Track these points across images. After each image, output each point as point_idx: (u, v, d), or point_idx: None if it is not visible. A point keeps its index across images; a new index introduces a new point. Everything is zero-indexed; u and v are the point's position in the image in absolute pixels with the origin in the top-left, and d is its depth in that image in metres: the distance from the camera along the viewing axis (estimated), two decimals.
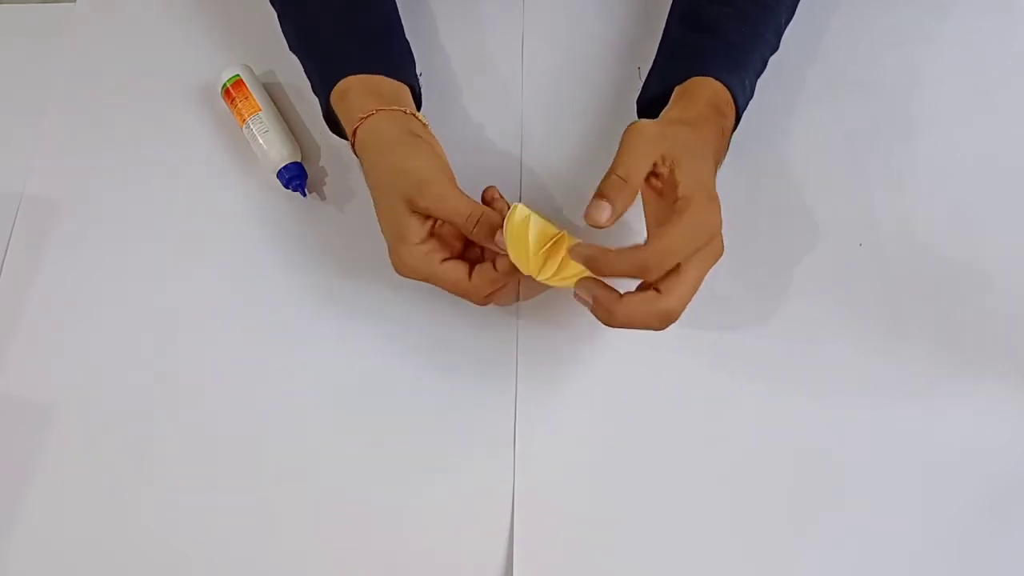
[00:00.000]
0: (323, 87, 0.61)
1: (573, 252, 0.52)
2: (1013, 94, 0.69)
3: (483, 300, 0.57)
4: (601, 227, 0.51)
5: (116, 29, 0.75)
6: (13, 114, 0.72)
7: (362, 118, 0.57)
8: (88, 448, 0.59)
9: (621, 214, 0.52)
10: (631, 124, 0.54)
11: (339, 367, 0.60)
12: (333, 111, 0.61)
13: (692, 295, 0.52)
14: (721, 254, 0.53)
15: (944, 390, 0.59)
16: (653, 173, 0.53)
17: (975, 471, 0.56)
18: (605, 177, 0.52)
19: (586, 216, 0.52)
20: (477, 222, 0.54)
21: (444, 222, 0.56)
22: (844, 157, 0.67)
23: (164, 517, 0.56)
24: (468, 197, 0.55)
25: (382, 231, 0.57)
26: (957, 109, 0.69)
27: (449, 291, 0.57)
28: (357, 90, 0.59)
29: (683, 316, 0.60)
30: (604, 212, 0.51)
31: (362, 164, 0.59)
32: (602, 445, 0.58)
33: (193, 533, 0.56)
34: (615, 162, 0.52)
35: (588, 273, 0.52)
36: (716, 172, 0.56)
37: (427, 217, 0.55)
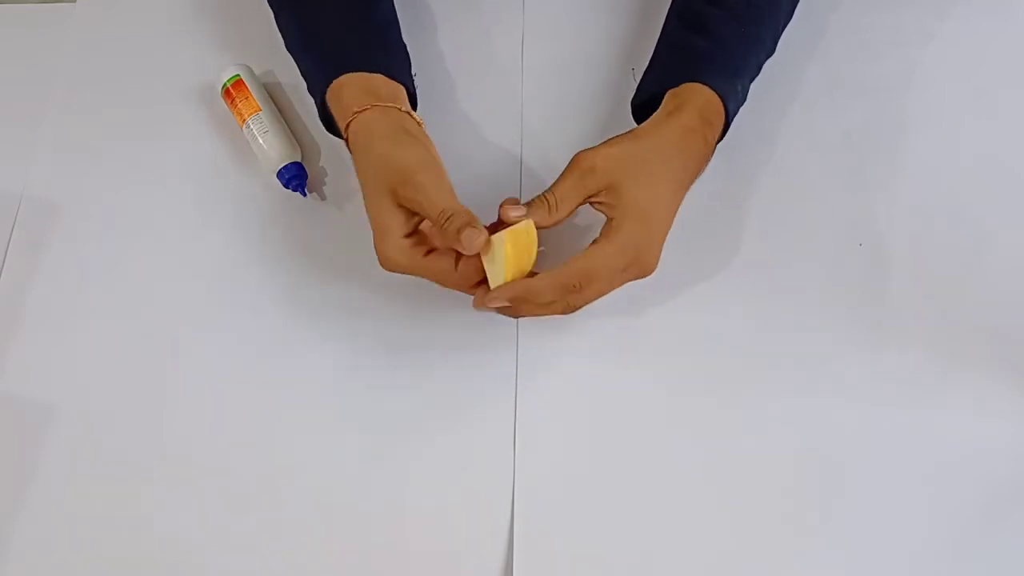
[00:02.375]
0: (319, 84, 0.61)
1: (499, 292, 0.54)
2: (1013, 94, 0.69)
3: (472, 288, 0.57)
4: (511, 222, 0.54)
5: (116, 29, 0.75)
6: (13, 114, 0.71)
7: (356, 112, 0.57)
8: (88, 448, 0.59)
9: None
10: (580, 153, 0.55)
11: (339, 366, 0.60)
12: (328, 109, 0.61)
13: (593, 300, 0.55)
14: (649, 273, 0.55)
15: (944, 390, 0.59)
16: (593, 199, 0.55)
17: (975, 471, 0.56)
18: (540, 195, 0.55)
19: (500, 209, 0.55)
20: (448, 218, 0.53)
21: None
22: (844, 157, 0.67)
23: (164, 517, 0.56)
24: (450, 193, 0.55)
25: (371, 226, 0.57)
26: (957, 109, 0.68)
27: (438, 283, 0.57)
28: (353, 87, 0.59)
29: (682, 316, 0.61)
30: (516, 211, 0.55)
31: (354, 159, 0.58)
32: (602, 445, 0.58)
33: (193, 532, 0.56)
34: (554, 183, 0.55)
35: None
36: (688, 185, 0.57)
37: (413, 212, 0.55)
